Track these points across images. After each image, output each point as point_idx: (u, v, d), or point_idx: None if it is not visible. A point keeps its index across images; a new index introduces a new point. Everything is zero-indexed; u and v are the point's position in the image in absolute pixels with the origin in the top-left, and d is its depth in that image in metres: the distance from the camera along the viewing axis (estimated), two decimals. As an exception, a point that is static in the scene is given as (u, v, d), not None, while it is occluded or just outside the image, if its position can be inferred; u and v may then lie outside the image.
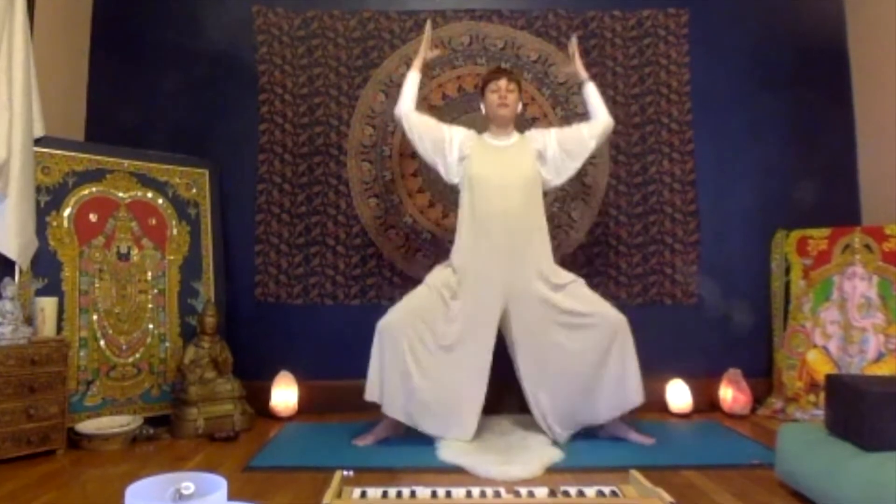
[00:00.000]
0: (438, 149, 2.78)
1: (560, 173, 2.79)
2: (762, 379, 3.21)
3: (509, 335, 2.72)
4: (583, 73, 2.89)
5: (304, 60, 3.40)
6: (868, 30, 3.38)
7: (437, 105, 3.37)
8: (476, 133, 2.86)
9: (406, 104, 2.81)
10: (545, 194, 2.84)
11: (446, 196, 3.28)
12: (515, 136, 2.85)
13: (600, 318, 2.62)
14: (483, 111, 2.88)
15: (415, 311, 2.64)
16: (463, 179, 2.77)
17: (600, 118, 2.82)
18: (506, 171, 2.73)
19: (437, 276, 2.73)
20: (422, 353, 2.60)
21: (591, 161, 3.35)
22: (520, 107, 2.85)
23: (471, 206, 2.72)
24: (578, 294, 2.69)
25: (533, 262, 2.68)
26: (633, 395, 2.61)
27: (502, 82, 2.78)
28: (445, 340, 2.63)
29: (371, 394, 2.61)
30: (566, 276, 2.72)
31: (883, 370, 2.79)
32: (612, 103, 3.38)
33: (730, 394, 3.11)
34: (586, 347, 2.61)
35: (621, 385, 2.60)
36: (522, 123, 3.09)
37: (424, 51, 2.92)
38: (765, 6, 3.48)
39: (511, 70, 3.00)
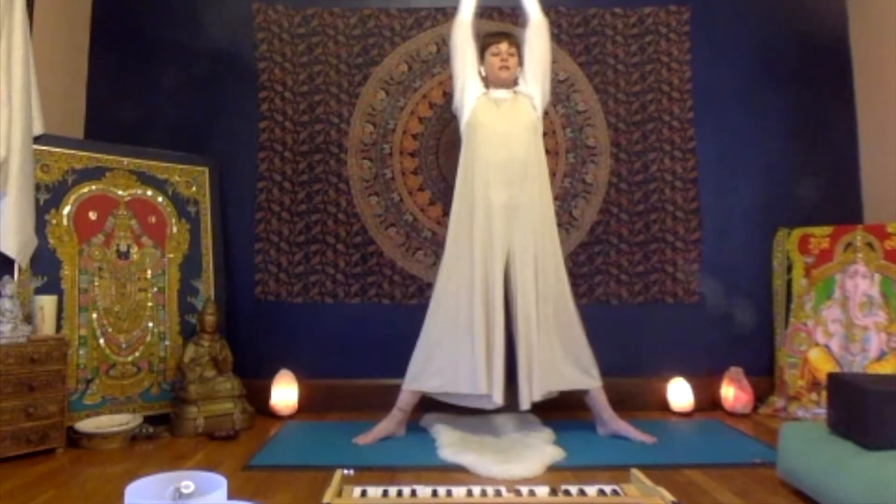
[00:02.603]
0: (459, 77, 2.83)
1: (541, 97, 2.84)
2: (764, 377, 3.20)
3: (511, 282, 2.69)
4: None
5: (304, 58, 3.39)
6: (870, 27, 3.37)
7: (437, 103, 3.36)
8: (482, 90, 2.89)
9: (463, 13, 2.83)
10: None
11: (447, 194, 3.27)
12: (513, 91, 2.88)
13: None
14: (483, 73, 2.88)
15: (445, 283, 2.70)
16: (466, 129, 2.80)
17: (530, 25, 2.83)
18: (508, 118, 2.77)
19: (451, 239, 2.75)
20: (448, 318, 2.65)
21: (593, 159, 3.35)
22: (519, 70, 2.87)
23: (472, 154, 2.75)
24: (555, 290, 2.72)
25: (535, 208, 2.71)
26: (590, 378, 2.67)
27: (503, 45, 2.81)
28: (462, 282, 2.65)
29: (413, 383, 2.67)
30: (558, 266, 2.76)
31: (885, 369, 2.78)
32: (613, 101, 3.39)
33: (731, 392, 3.10)
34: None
35: (576, 362, 2.65)
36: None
37: None
38: (766, 4, 3.46)
39: (511, 33, 2.99)
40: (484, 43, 2.88)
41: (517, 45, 2.86)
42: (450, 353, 2.62)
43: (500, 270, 2.65)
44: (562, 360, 2.65)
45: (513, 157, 2.71)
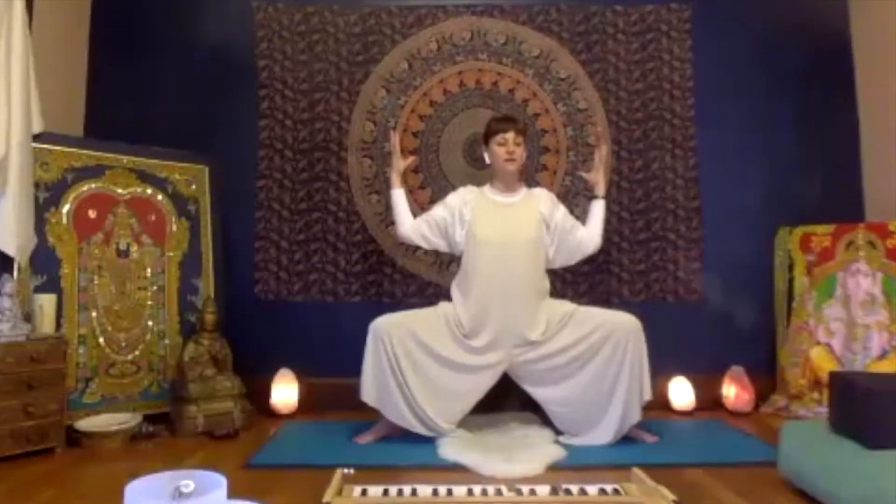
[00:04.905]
0: (449, 233, 2.75)
1: (553, 257, 2.78)
2: (765, 376, 3.19)
3: (518, 379, 2.71)
4: (601, 189, 2.82)
5: (304, 56, 3.38)
6: (872, 25, 3.35)
7: (438, 101, 3.35)
8: (475, 188, 2.81)
9: (406, 224, 2.78)
10: None
11: (447, 192, 3.25)
12: (522, 191, 2.79)
13: (611, 326, 2.59)
14: (486, 160, 2.81)
15: (410, 320, 2.63)
16: (467, 239, 2.71)
17: (593, 241, 2.77)
18: (511, 229, 2.68)
19: (444, 308, 2.71)
20: (413, 361, 2.57)
21: (594, 157, 3.32)
22: (524, 157, 2.79)
23: (474, 266, 2.67)
24: (580, 319, 2.64)
25: (532, 321, 2.64)
26: (644, 392, 2.58)
27: (510, 135, 2.69)
28: (446, 353, 2.60)
29: (366, 395, 2.60)
30: (562, 308, 2.68)
31: (887, 367, 2.77)
32: (614, 99, 3.38)
33: (733, 391, 3.10)
34: (598, 368, 2.58)
35: (636, 389, 2.55)
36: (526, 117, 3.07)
37: (397, 163, 2.83)
38: (768, 2, 3.45)
39: (517, 119, 2.91)
40: (489, 130, 2.78)
41: (524, 133, 2.79)
42: (422, 398, 2.57)
43: (497, 368, 2.65)
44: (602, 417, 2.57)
45: (514, 270, 2.63)
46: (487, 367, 2.64)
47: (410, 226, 2.78)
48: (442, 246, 2.80)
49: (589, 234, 2.77)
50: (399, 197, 2.80)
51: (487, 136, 2.77)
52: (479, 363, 2.63)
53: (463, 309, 2.68)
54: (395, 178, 2.82)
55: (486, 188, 2.81)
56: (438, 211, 2.79)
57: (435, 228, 2.77)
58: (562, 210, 2.80)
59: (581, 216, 3.30)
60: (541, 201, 2.77)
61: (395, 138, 2.88)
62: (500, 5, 3.40)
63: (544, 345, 2.61)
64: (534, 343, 2.62)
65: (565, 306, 2.71)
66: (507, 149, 2.69)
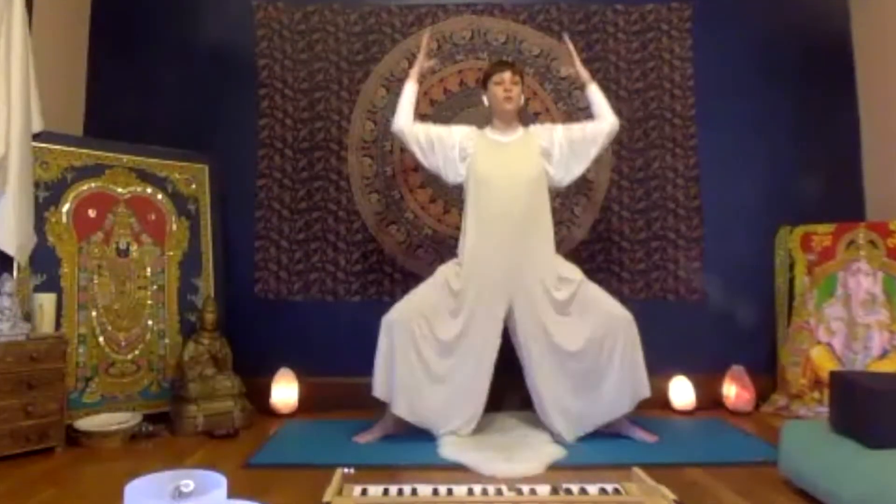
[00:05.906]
0: (441, 153, 2.74)
1: (566, 174, 2.76)
2: (766, 376, 3.19)
3: (515, 335, 2.71)
4: (584, 74, 2.83)
5: (304, 55, 3.38)
6: (872, 23, 3.35)
7: (438, 100, 3.35)
8: (477, 129, 2.83)
9: (404, 118, 2.76)
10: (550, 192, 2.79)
11: (448, 192, 3.26)
12: (520, 130, 2.81)
13: (605, 317, 2.60)
14: (486, 104, 2.83)
15: (419, 306, 2.63)
16: (467, 178, 2.73)
17: (605, 121, 2.76)
18: (511, 168, 2.70)
19: (444, 271, 2.72)
20: (425, 349, 2.59)
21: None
22: (522, 99, 2.82)
23: (476, 206, 2.70)
24: (582, 299, 2.66)
25: (537, 263, 2.67)
26: (641, 388, 2.59)
27: (506, 74, 2.73)
28: (448, 334, 2.61)
29: (378, 390, 2.60)
30: (570, 274, 2.69)
31: (887, 367, 2.77)
32: (614, 98, 3.36)
33: (733, 391, 3.09)
34: (591, 347, 2.60)
35: (628, 381, 2.58)
36: (526, 119, 3.07)
37: (423, 60, 2.85)
38: (768, 1, 3.45)
39: (514, 62, 2.96)
40: (486, 73, 2.81)
41: (520, 74, 2.80)
42: (433, 387, 2.59)
43: (499, 315, 2.65)
44: (584, 401, 2.61)
45: (516, 207, 2.65)
46: (491, 319, 2.64)
47: (410, 125, 2.75)
48: (432, 162, 2.76)
49: (597, 122, 2.77)
50: (411, 90, 2.79)
51: (486, 79, 2.80)
52: (481, 311, 2.63)
53: (465, 249, 2.69)
54: (415, 72, 2.82)
55: (486, 130, 2.82)
56: (441, 129, 2.80)
57: (431, 140, 2.75)
58: (559, 127, 2.81)
59: (581, 216, 3.32)
60: (539, 136, 2.78)
61: (427, 36, 2.90)
62: (500, 4, 3.40)
63: (551, 305, 2.63)
64: (542, 289, 2.63)
65: (574, 272, 2.71)
66: (504, 87, 2.72)
